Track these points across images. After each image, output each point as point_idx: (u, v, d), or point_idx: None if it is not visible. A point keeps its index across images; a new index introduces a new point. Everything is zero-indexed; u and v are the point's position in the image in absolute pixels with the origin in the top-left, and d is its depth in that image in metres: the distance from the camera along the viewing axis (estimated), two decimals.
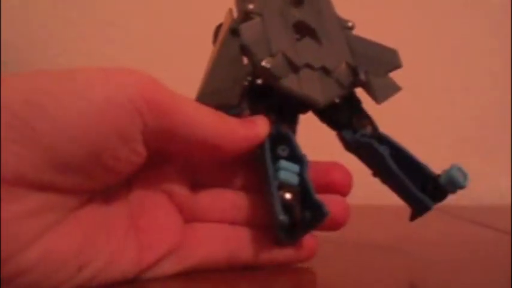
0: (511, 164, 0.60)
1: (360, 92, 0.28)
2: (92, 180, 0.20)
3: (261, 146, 0.24)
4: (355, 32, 0.29)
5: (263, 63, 0.25)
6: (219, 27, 0.29)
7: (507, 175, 0.60)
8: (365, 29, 0.29)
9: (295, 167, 0.24)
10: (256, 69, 0.25)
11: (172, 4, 0.58)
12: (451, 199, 0.27)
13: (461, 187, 0.26)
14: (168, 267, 0.22)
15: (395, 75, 0.28)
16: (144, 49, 0.57)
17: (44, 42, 0.56)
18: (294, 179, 0.23)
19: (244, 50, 0.26)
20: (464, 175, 0.26)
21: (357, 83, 0.27)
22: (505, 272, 0.25)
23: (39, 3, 0.56)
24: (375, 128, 0.28)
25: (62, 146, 0.18)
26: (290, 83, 0.25)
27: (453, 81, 0.62)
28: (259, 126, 0.24)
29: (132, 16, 0.57)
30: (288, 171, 0.24)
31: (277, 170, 0.24)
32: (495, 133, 0.62)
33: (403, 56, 0.29)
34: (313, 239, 0.25)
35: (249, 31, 0.26)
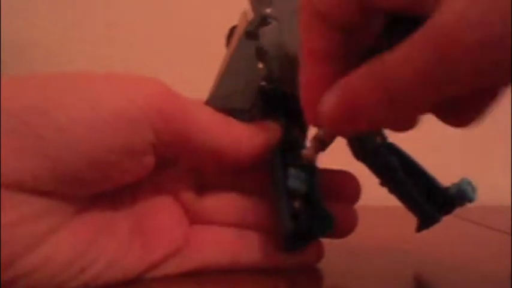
0: (511, 164, 0.60)
1: None
2: (95, 189, 0.20)
3: (271, 152, 0.24)
4: None
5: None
6: (232, 30, 0.28)
7: (507, 175, 0.59)
8: None
9: (305, 175, 0.24)
10: (272, 74, 0.25)
11: (174, 5, 0.58)
12: None
13: (470, 200, 0.26)
14: (171, 268, 0.22)
15: None
16: (145, 50, 0.57)
17: (44, 42, 0.56)
18: (302, 187, 0.23)
19: (262, 54, 0.25)
20: (473, 188, 0.26)
21: None
22: (505, 272, 0.25)
23: (39, 3, 0.56)
24: (383, 138, 0.28)
25: (67, 158, 0.18)
26: None
27: None
28: (270, 133, 0.24)
29: (134, 16, 0.57)
30: (297, 179, 0.23)
31: (286, 177, 0.23)
32: (495, 133, 0.62)
33: None
34: (319, 244, 0.25)
35: (268, 35, 0.25)
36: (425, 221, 0.27)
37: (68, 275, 0.19)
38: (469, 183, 0.26)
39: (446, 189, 0.26)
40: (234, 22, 0.29)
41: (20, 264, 0.18)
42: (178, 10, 0.58)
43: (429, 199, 0.26)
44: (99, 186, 0.20)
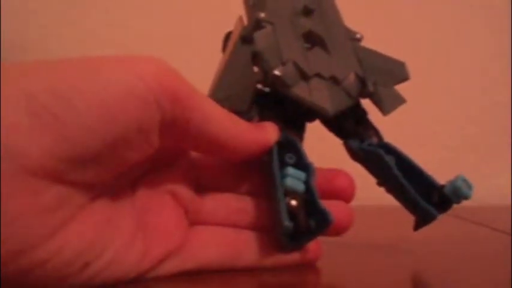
0: (511, 164, 0.60)
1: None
2: (104, 170, 0.20)
3: (268, 152, 0.25)
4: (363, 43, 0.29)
5: (275, 72, 0.25)
6: (228, 35, 0.29)
7: (507, 175, 0.60)
8: (363, 31, 0.29)
9: (302, 175, 0.24)
10: (267, 77, 0.26)
11: (172, 5, 0.58)
12: None
13: (466, 197, 0.26)
14: (171, 268, 0.22)
15: None
16: (145, 50, 0.57)
17: (44, 42, 0.56)
18: (300, 186, 0.24)
19: (257, 57, 0.26)
20: (469, 186, 0.26)
21: (365, 93, 0.28)
22: (505, 272, 0.25)
23: (39, 3, 0.56)
24: (380, 138, 0.28)
25: (83, 139, 0.18)
26: (300, 91, 0.26)
27: (453, 81, 0.62)
28: (269, 132, 0.25)
29: (134, 17, 0.57)
30: (294, 179, 0.24)
31: (284, 176, 0.24)
32: (495, 133, 0.62)
33: (403, 57, 0.29)
34: (317, 243, 0.25)
35: (263, 39, 0.26)
36: (423, 219, 0.27)
37: (72, 268, 0.19)
38: (464, 180, 0.26)
39: (442, 187, 0.26)
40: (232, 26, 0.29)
41: (30, 256, 0.18)
42: (179, 10, 0.58)
43: (426, 197, 0.26)
44: (111, 167, 0.20)
